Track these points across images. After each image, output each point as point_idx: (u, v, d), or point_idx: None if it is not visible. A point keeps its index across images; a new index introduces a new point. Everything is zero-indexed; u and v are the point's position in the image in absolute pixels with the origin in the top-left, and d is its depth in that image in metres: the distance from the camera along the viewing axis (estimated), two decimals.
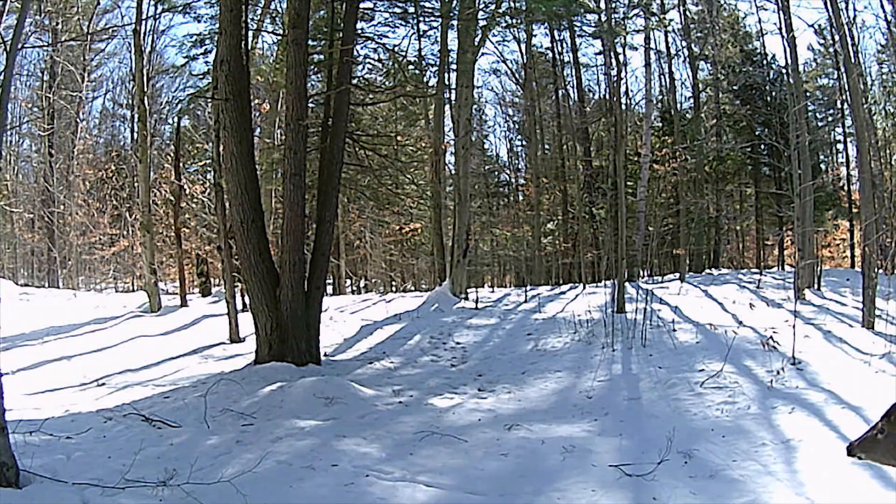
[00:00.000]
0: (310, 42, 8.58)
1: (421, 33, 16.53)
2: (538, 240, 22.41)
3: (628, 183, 18.63)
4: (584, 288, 15.50)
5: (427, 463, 4.33)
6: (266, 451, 4.37)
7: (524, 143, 26.61)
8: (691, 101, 22.70)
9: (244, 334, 10.06)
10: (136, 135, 20.36)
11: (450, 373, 7.37)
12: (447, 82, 16.42)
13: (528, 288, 16.25)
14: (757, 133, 22.11)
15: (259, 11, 13.42)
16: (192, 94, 19.10)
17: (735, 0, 23.19)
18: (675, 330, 8.05)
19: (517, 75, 23.85)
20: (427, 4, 10.88)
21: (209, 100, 12.29)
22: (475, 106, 20.07)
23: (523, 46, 22.13)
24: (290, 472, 4.08)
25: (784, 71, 19.12)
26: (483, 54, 20.35)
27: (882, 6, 17.61)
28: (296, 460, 4.24)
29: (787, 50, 14.10)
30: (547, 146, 25.13)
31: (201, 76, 16.13)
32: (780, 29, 14.54)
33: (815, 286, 13.16)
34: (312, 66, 9.76)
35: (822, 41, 23.90)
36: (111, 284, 24.00)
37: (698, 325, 8.33)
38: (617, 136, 12.11)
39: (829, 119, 23.83)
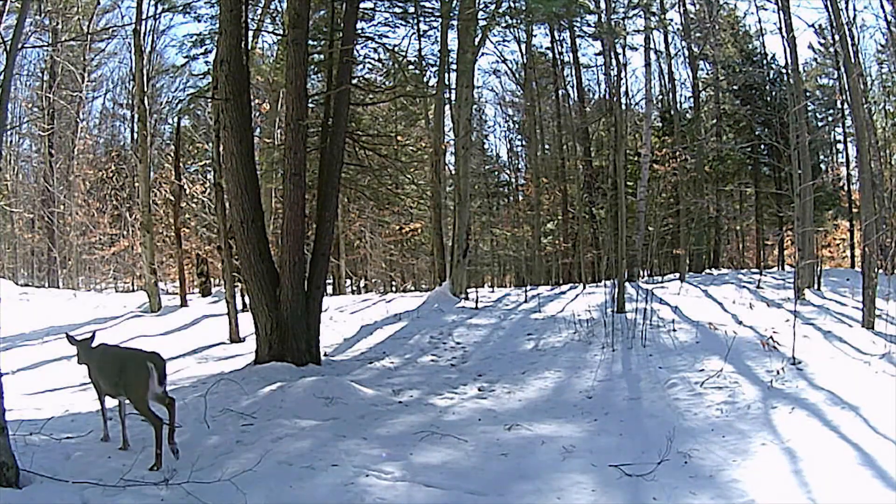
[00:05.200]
0: (310, 42, 8.58)
1: (421, 33, 16.56)
2: (538, 240, 22.42)
3: (628, 183, 18.62)
4: (584, 288, 15.50)
5: (427, 463, 4.33)
6: (266, 451, 4.37)
7: (524, 143, 26.65)
8: (691, 101, 22.74)
9: (244, 334, 10.06)
10: (136, 135, 20.38)
11: (450, 372, 7.36)
12: (447, 82, 16.43)
13: (528, 288, 16.25)
14: (757, 133, 22.10)
15: (259, 11, 13.40)
16: (192, 94, 19.10)
17: (735, 0, 23.24)
18: (674, 330, 8.05)
19: (517, 75, 23.88)
20: (427, 4, 10.86)
21: (209, 100, 12.29)
22: (475, 106, 20.07)
23: (523, 46, 22.19)
24: (290, 471, 4.08)
25: (784, 71, 19.15)
26: (483, 54, 20.41)
27: (882, 6, 17.63)
28: (296, 460, 4.24)
29: (787, 50, 14.08)
30: (547, 146, 25.14)
31: (201, 76, 16.12)
32: (780, 29, 14.58)
33: (815, 286, 13.15)
34: (312, 66, 9.76)
35: (822, 41, 23.95)
36: (111, 284, 24.01)
37: (698, 325, 8.32)
38: (617, 136, 12.11)
39: (829, 119, 23.81)
